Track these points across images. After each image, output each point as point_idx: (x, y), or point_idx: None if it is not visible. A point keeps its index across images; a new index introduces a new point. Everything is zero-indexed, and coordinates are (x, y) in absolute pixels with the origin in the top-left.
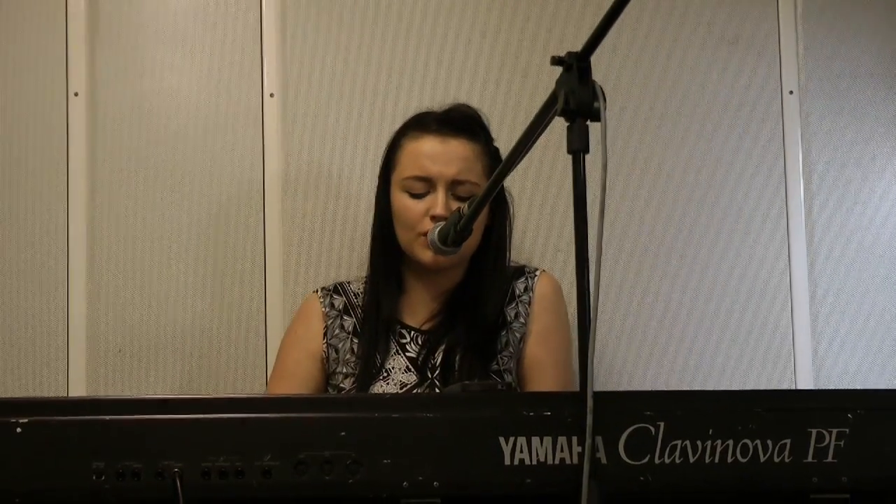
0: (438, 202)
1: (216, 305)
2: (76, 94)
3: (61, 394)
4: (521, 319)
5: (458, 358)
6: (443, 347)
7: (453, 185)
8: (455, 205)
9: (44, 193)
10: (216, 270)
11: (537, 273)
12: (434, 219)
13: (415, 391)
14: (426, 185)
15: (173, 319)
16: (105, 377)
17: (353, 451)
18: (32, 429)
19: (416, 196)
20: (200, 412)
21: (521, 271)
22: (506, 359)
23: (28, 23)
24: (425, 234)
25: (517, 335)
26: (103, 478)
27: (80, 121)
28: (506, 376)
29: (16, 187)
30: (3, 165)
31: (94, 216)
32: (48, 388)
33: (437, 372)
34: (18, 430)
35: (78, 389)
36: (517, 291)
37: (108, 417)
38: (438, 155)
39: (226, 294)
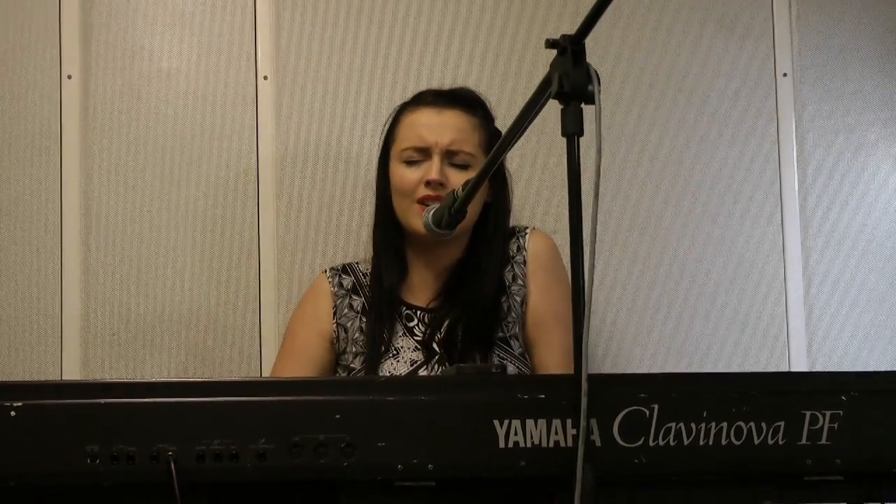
0: (433, 167)
1: (210, 288)
2: (70, 77)
3: (56, 377)
4: (519, 281)
5: (459, 331)
6: (446, 324)
7: (449, 154)
8: (451, 173)
9: (38, 176)
10: (210, 253)
11: (527, 231)
12: (429, 184)
13: (422, 368)
14: (423, 154)
15: (167, 302)
16: (99, 361)
17: (347, 434)
18: (27, 412)
19: (413, 164)
20: (195, 395)
21: (511, 232)
22: (510, 325)
23: (22, 6)
24: (420, 202)
25: (517, 299)
26: (98, 461)
27: (74, 103)
28: (513, 342)
29: (9, 170)
30: None
31: (88, 199)
32: (43, 372)
33: (441, 347)
34: (13, 413)
35: (72, 373)
36: (511, 252)
37: (102, 401)
38: (434, 124)
39: (220, 276)
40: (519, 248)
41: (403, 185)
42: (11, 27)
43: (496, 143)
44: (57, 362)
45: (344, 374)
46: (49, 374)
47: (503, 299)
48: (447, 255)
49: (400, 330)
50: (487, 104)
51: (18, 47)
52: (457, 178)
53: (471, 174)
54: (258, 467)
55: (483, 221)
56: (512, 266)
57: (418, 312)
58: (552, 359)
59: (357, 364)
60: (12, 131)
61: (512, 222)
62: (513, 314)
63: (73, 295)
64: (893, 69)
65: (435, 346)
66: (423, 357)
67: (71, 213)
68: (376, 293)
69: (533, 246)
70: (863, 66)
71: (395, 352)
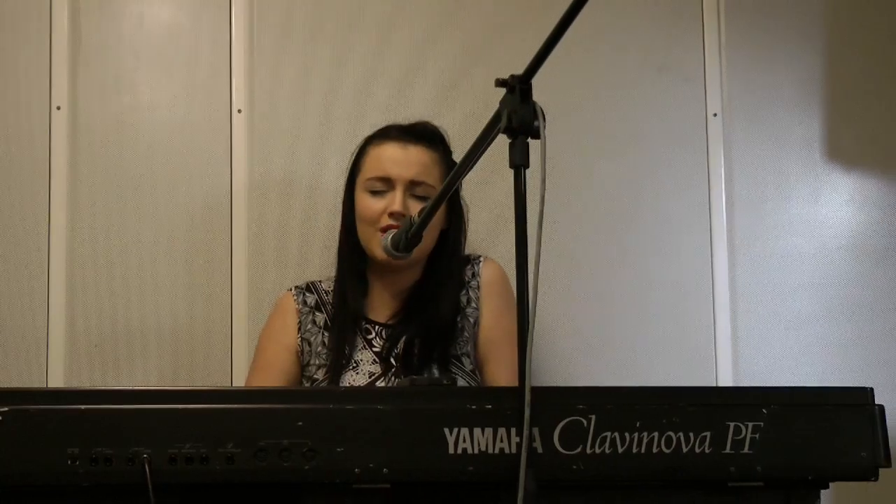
0: (396, 200)
1: (186, 303)
2: (58, 108)
3: (42, 385)
4: (473, 305)
5: (416, 348)
6: (403, 340)
7: (411, 186)
8: (412, 204)
9: (27, 200)
10: (187, 271)
11: (481, 260)
12: (392, 215)
13: (380, 380)
14: (386, 185)
15: (146, 316)
16: (82, 370)
17: (309, 440)
18: (13, 416)
19: (377, 194)
20: (168, 403)
21: (467, 259)
22: (462, 343)
23: (14, 40)
24: (383, 230)
25: (471, 320)
26: (78, 463)
27: (62, 132)
28: (465, 360)
29: (1, 193)
30: None
31: (73, 220)
32: (29, 380)
33: (399, 362)
34: (0, 417)
35: (56, 381)
36: (466, 277)
37: (83, 407)
38: (399, 158)
39: (195, 292)
40: (474, 275)
41: (368, 213)
42: (5, 61)
43: None
44: (43, 371)
45: (308, 385)
46: (35, 382)
47: (458, 319)
48: (405, 277)
49: (360, 343)
50: (446, 137)
51: (11, 80)
52: (418, 209)
53: None
54: (226, 470)
55: (439, 247)
56: (467, 290)
57: (376, 327)
58: (501, 374)
59: (320, 375)
60: (5, 157)
61: (468, 249)
62: (465, 334)
63: (58, 309)
64: (813, 109)
65: (392, 360)
66: (380, 370)
67: (58, 233)
68: (339, 311)
69: (486, 273)
70: (786, 107)
71: (354, 364)
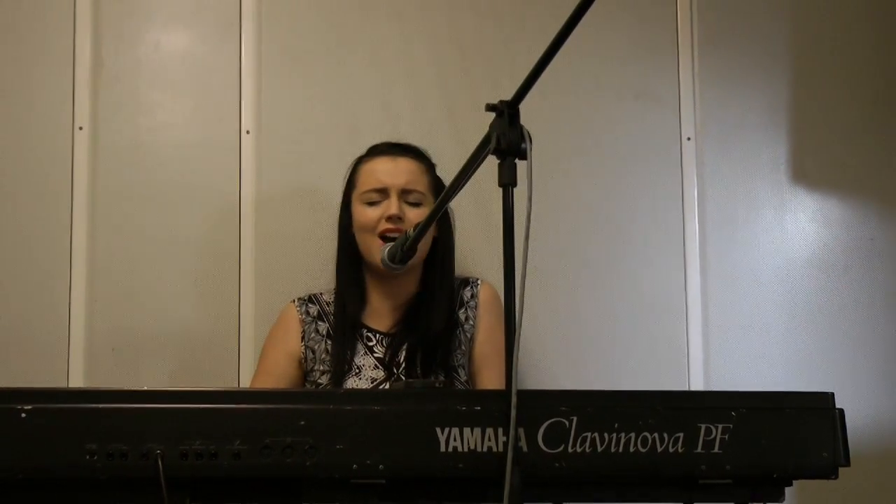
0: (392, 204)
1: (197, 310)
2: (80, 128)
3: (63, 385)
4: (471, 322)
5: (419, 357)
6: (405, 348)
7: (404, 193)
8: (407, 209)
9: (50, 213)
10: (198, 282)
11: (479, 282)
12: (389, 219)
13: (382, 386)
14: (381, 194)
15: (161, 323)
16: (100, 372)
17: (310, 438)
18: (35, 414)
19: (374, 204)
20: (180, 402)
21: (466, 281)
22: (459, 356)
23: (39, 65)
24: (381, 235)
25: (468, 335)
26: (95, 457)
27: (84, 151)
28: (460, 371)
29: (24, 207)
30: (14, 186)
31: (93, 233)
32: (51, 381)
33: (401, 368)
34: (23, 415)
35: (77, 382)
36: (465, 298)
37: (100, 406)
38: (390, 169)
39: (206, 302)
40: (473, 296)
41: (366, 221)
42: (31, 85)
43: (439, 186)
44: (64, 372)
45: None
46: (57, 383)
47: (457, 332)
48: (404, 286)
49: (361, 350)
50: (428, 155)
51: (36, 102)
52: (412, 214)
53: (423, 210)
54: (233, 465)
55: (433, 254)
56: (466, 309)
57: (377, 335)
58: (492, 384)
59: (324, 380)
60: (30, 173)
61: (459, 258)
62: (462, 347)
63: (79, 316)
64: (780, 134)
65: (394, 369)
66: (382, 376)
67: (79, 245)
68: (339, 320)
69: (483, 294)
70: (755, 132)
71: (357, 370)
